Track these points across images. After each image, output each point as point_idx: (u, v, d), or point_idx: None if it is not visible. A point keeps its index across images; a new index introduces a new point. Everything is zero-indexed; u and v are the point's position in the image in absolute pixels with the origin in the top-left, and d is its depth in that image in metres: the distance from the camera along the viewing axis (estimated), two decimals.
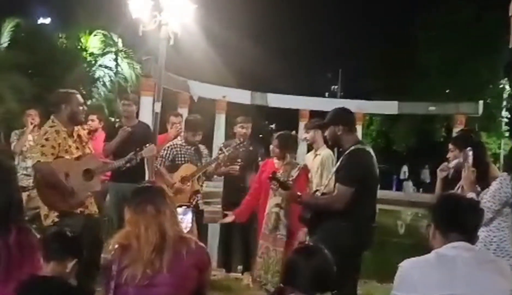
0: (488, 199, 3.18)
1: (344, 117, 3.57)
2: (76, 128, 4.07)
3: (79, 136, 4.07)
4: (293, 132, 4.96)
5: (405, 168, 23.52)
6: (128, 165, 4.36)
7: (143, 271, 2.09)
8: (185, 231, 2.42)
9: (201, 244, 2.27)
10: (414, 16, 23.91)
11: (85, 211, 3.96)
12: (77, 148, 3.98)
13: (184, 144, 4.96)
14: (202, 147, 5.12)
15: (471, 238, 2.02)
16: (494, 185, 3.19)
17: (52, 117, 3.97)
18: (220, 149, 5.15)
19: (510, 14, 2.92)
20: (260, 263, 4.25)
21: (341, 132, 3.49)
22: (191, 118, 5.22)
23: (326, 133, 3.66)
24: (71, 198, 3.85)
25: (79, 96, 4.09)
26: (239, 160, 5.23)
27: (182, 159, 4.89)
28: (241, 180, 5.17)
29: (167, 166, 4.87)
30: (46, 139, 3.86)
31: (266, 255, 4.23)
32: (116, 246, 2.20)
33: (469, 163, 3.33)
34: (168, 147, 4.93)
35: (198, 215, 4.68)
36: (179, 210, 2.43)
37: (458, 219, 2.01)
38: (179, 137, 5.09)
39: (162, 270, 2.10)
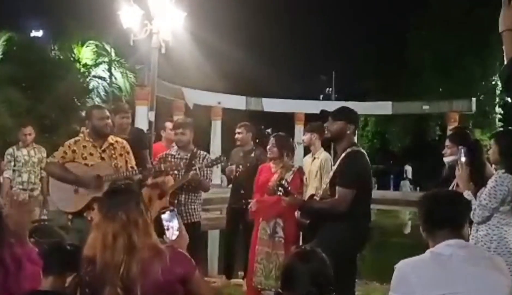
0: (484, 197, 3.17)
1: (357, 119, 3.65)
2: (111, 141, 4.13)
3: (113, 148, 4.12)
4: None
5: (407, 167, 23.40)
6: (140, 176, 4.22)
7: (114, 292, 1.95)
8: (173, 238, 2.29)
9: (180, 251, 2.13)
10: (405, 15, 24.05)
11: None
12: (102, 158, 4.06)
13: (175, 154, 4.58)
14: (202, 155, 4.61)
15: (462, 233, 2.01)
16: (489, 183, 3.18)
17: (86, 130, 4.22)
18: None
19: (500, 30, 2.96)
20: (260, 269, 4.22)
21: (349, 131, 3.48)
22: (176, 120, 4.96)
23: (333, 125, 3.52)
24: (80, 189, 3.93)
25: (100, 111, 4.17)
26: (240, 166, 5.24)
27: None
28: (246, 186, 5.16)
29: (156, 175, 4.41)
30: (62, 146, 4.12)
31: (266, 260, 4.21)
32: (84, 261, 2.07)
33: (462, 161, 3.34)
34: (159, 157, 4.64)
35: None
36: (164, 216, 2.31)
37: (442, 215, 2.00)
38: (175, 147, 4.71)
39: (135, 288, 1.96)
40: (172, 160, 4.51)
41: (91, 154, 4.04)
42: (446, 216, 2.01)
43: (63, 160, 4.02)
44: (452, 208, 2.03)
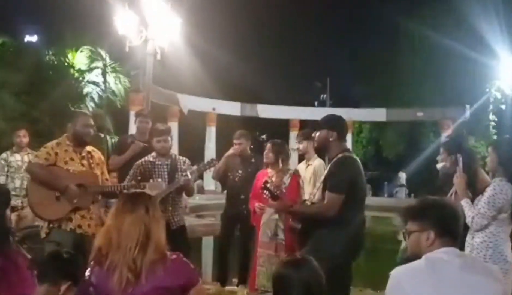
0: (483, 205, 3.19)
1: (340, 125, 3.58)
2: (89, 148, 4.10)
3: (91, 157, 4.09)
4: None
5: (401, 174, 23.37)
6: (124, 190, 4.10)
7: (124, 275, 1.99)
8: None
9: (184, 260, 2.16)
10: (399, 22, 24.20)
11: (76, 229, 3.89)
12: (82, 165, 4.02)
13: (154, 160, 4.43)
14: (182, 159, 4.55)
15: (457, 243, 2.03)
16: (488, 191, 3.20)
17: (65, 134, 4.12)
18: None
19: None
20: (262, 272, 4.22)
21: (333, 138, 3.49)
22: (154, 126, 4.81)
23: (317, 135, 3.61)
24: (62, 197, 3.84)
25: (85, 118, 4.12)
26: (239, 172, 5.24)
27: (152, 176, 4.36)
28: (242, 192, 5.16)
29: (135, 184, 4.23)
30: (45, 147, 4.03)
31: (268, 262, 4.21)
32: (93, 255, 2.10)
33: (461, 168, 3.37)
34: (137, 165, 4.43)
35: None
36: None
37: (454, 224, 2.03)
38: (153, 153, 4.51)
39: (142, 278, 2.01)
40: (153, 166, 4.40)
41: (72, 159, 3.98)
42: (454, 227, 2.03)
43: (47, 162, 3.92)
44: (459, 219, 2.06)
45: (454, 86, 22.71)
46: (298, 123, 20.27)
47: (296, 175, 4.48)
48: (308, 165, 5.03)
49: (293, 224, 3.78)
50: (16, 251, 2.32)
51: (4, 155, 6.00)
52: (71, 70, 13.83)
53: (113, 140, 12.87)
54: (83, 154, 4.05)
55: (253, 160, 5.36)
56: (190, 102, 18.70)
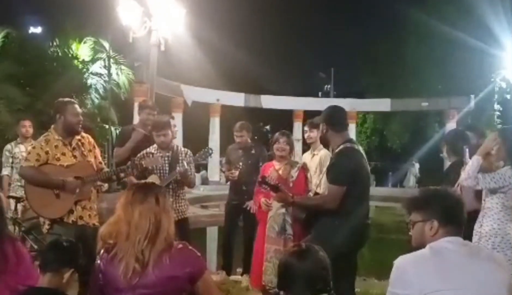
0: (486, 175, 3.25)
1: (329, 117, 3.55)
2: (78, 137, 4.02)
3: (82, 145, 4.02)
4: None
5: (415, 163, 23.02)
6: (122, 174, 4.16)
7: (131, 265, 2.01)
8: None
9: (191, 250, 2.18)
10: (404, 11, 24.03)
11: (78, 221, 3.88)
12: (74, 156, 3.94)
13: (155, 152, 4.44)
14: (183, 151, 4.56)
15: (461, 233, 2.03)
16: (501, 169, 3.28)
17: (52, 126, 4.01)
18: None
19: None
20: (270, 267, 4.17)
21: (325, 131, 3.50)
22: (153, 120, 4.79)
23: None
24: (62, 193, 3.80)
25: (75, 106, 4.02)
26: (240, 164, 5.24)
27: (153, 168, 4.37)
28: (244, 183, 5.17)
29: (137, 175, 4.29)
30: (33, 147, 3.94)
31: (275, 258, 4.17)
32: (102, 244, 2.12)
33: (468, 160, 3.43)
34: (139, 157, 4.38)
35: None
36: None
37: (457, 213, 2.03)
38: (154, 145, 4.52)
39: (149, 268, 2.03)
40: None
41: (63, 154, 3.89)
42: (458, 216, 2.03)
43: (38, 163, 3.83)
44: (462, 208, 2.06)
45: (459, 76, 22.56)
46: (302, 114, 20.21)
47: (304, 168, 4.44)
48: (314, 154, 5.01)
49: (297, 213, 3.79)
50: (14, 240, 2.33)
51: (8, 146, 6.02)
52: (75, 62, 13.82)
53: (117, 131, 12.93)
54: (74, 145, 3.96)
55: (253, 151, 5.36)
56: (194, 94, 18.69)
